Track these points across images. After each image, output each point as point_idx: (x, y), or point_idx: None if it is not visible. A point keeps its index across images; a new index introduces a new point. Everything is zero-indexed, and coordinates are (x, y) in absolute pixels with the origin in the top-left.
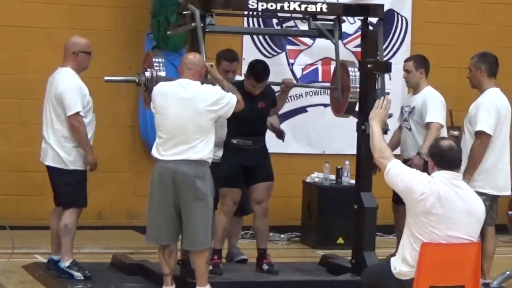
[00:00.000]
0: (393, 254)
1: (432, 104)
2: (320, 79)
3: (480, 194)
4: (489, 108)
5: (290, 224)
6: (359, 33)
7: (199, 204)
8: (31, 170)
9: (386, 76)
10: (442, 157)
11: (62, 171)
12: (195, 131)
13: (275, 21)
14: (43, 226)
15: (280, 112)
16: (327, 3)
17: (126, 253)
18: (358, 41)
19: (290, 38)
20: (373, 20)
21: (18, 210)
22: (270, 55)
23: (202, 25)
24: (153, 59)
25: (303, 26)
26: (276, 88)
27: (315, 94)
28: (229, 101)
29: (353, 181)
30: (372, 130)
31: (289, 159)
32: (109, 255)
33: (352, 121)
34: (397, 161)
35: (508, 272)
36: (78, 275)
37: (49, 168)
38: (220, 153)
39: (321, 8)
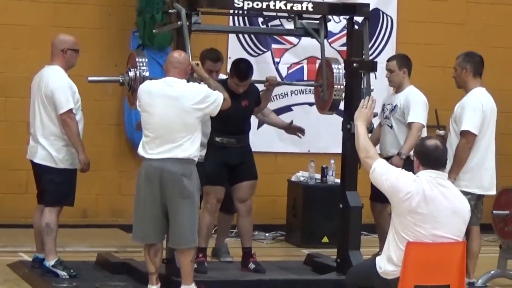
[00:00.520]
0: (378, 253)
1: (415, 104)
2: (305, 78)
3: (465, 193)
4: (474, 107)
5: (275, 223)
6: (345, 32)
7: (186, 202)
8: (16, 168)
9: (372, 75)
10: (428, 157)
11: (52, 169)
12: (181, 130)
13: (260, 20)
14: (28, 224)
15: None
16: (313, 2)
17: (111, 252)
18: (344, 40)
19: (275, 37)
20: (359, 19)
21: (3, 208)
22: (255, 54)
23: (188, 23)
24: (137, 59)
25: (289, 25)
26: (260, 87)
27: (300, 93)
28: (215, 99)
29: (338, 180)
30: (357, 130)
31: (274, 158)
32: (94, 254)
33: (337, 120)
34: (382, 160)
35: (492, 272)
36: (63, 274)
37: (38, 166)
38: (203, 152)
39: (307, 7)
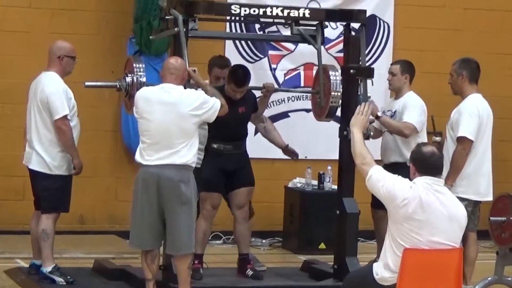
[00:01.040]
0: (375, 260)
1: (412, 107)
2: (302, 84)
3: (462, 199)
4: (470, 113)
5: (272, 229)
6: (342, 38)
7: (183, 208)
8: (12, 174)
9: (369, 81)
10: (424, 163)
11: (46, 175)
12: (179, 136)
13: (257, 26)
14: (25, 230)
15: None
16: (310, 9)
17: (108, 258)
18: (341, 46)
19: (272, 43)
20: (356, 25)
21: (0, 214)
22: (252, 60)
23: (184, 30)
24: (134, 65)
25: (286, 32)
26: (257, 93)
27: (297, 99)
28: (212, 105)
29: (335, 187)
30: (353, 136)
31: (271, 164)
32: (91, 260)
33: (334, 126)
34: (379, 167)
35: (489, 278)
36: (60, 280)
37: (33, 172)
38: (201, 156)
39: (304, 14)
